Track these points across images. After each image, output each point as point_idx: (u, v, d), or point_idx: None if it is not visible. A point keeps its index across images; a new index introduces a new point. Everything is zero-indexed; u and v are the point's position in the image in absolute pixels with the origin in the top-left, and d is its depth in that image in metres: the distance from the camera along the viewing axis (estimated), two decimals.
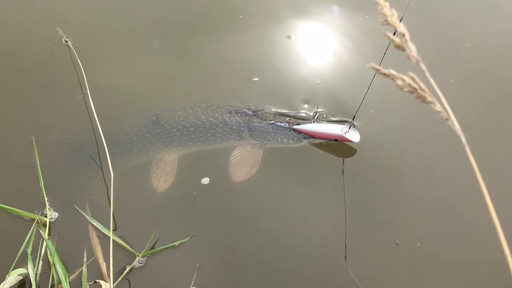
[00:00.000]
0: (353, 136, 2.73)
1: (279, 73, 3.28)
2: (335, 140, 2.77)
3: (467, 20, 3.66)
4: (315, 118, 2.94)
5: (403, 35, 1.14)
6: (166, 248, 2.44)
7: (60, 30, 3.40)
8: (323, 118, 2.96)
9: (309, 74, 3.26)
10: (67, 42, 3.37)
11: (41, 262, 2.36)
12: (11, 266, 2.24)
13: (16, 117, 3.00)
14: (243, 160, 2.77)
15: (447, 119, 1.06)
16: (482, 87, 3.19)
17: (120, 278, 2.36)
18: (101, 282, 2.26)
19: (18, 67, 3.29)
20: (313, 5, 3.78)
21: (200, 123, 2.89)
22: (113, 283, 2.27)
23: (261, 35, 3.53)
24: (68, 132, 2.92)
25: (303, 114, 2.99)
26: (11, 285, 2.26)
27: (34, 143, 2.79)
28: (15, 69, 3.27)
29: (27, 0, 3.77)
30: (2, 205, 2.44)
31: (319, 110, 3.00)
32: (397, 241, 2.50)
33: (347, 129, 2.74)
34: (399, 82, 1.10)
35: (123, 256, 2.43)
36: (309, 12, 3.73)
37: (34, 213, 2.50)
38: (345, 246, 2.48)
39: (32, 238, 2.36)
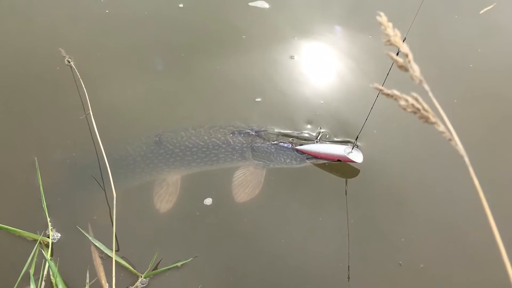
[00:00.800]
0: (356, 156, 2.83)
1: (282, 94, 3.39)
2: (338, 160, 2.86)
3: (470, 41, 3.80)
4: (318, 138, 3.04)
5: (406, 55, 1.16)
6: (168, 269, 2.52)
7: (62, 50, 3.53)
8: (326, 138, 3.06)
9: (312, 95, 3.38)
10: (69, 62, 3.50)
11: (43, 283, 2.44)
12: (13, 287, 2.32)
13: (19, 138, 3.10)
14: (246, 181, 2.86)
15: (450, 140, 1.07)
16: (486, 107, 3.30)
17: None
18: None
19: (20, 87, 3.41)
20: (316, 25, 3.92)
21: (203, 143, 2.99)
22: None
23: (264, 55, 3.67)
24: (70, 153, 3.02)
25: (306, 135, 3.09)
26: None
27: (36, 163, 2.89)
28: (18, 89, 3.39)
29: (29, 20, 3.92)
30: (5, 226, 2.52)
31: (322, 130, 3.10)
32: (400, 262, 2.57)
33: (350, 150, 2.83)
34: (402, 103, 1.12)
35: (126, 276, 2.51)
36: (312, 32, 3.87)
37: (37, 234, 2.59)
38: (348, 266, 2.56)
39: (35, 259, 2.44)
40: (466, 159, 1.05)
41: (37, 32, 3.83)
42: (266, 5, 4.09)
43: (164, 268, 2.51)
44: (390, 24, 1.23)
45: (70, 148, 3.05)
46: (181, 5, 4.07)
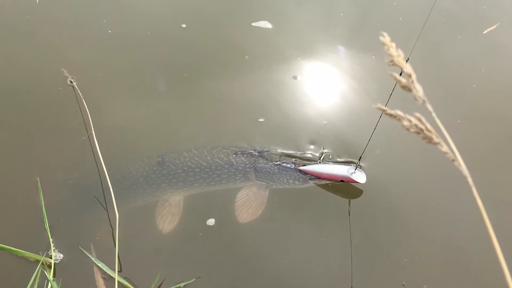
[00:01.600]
0: (359, 177, 2.92)
1: (285, 114, 3.50)
2: (341, 181, 2.96)
3: (473, 61, 3.92)
4: (321, 159, 3.14)
5: (410, 76, 1.19)
6: None
7: (65, 71, 3.66)
8: (329, 159, 3.16)
9: (315, 115, 3.49)
10: (72, 82, 3.62)
11: None
12: None
13: (21, 158, 3.20)
14: (249, 201, 2.95)
15: (453, 160, 1.10)
16: (489, 128, 3.40)
17: None
18: None
19: (23, 107, 3.53)
20: (319, 45, 4.05)
21: (205, 164, 3.08)
22: None
23: (267, 76, 3.79)
24: (73, 173, 3.12)
25: (309, 155, 3.19)
26: None
27: (39, 184, 2.99)
28: (20, 110, 3.51)
29: (32, 40, 4.06)
30: (7, 246, 2.61)
31: (325, 151, 3.20)
32: (404, 283, 2.65)
33: (353, 170, 2.93)
34: (406, 123, 1.15)
35: None
36: (315, 52, 4.00)
37: (39, 255, 2.68)
38: (351, 287, 2.63)
39: (37, 280, 2.52)
40: (470, 180, 1.07)
41: (39, 53, 3.96)
42: (269, 25, 4.24)
43: None
44: (393, 44, 1.25)
45: (73, 169, 3.15)
46: (183, 26, 4.21)
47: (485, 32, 4.17)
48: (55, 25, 4.24)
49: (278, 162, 3.11)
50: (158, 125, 3.46)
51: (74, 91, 3.57)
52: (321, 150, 3.22)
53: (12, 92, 3.63)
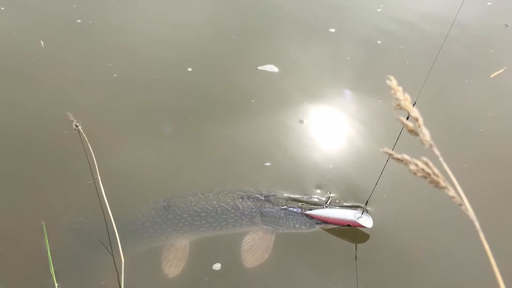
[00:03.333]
0: (366, 221, 3.10)
1: (291, 158, 3.72)
2: (348, 225, 3.14)
3: (480, 105, 4.16)
4: (328, 203, 3.33)
5: (417, 120, 1.21)
6: None
7: (70, 115, 3.90)
8: (336, 203, 3.35)
9: (321, 159, 3.70)
10: (77, 126, 3.85)
11: None
12: None
13: (26, 202, 3.40)
14: (255, 246, 3.13)
15: (460, 204, 1.12)
16: (496, 172, 3.60)
17: None
18: None
19: (28, 151, 3.75)
20: (325, 89, 4.31)
21: (211, 208, 3.28)
22: None
23: (273, 120, 4.03)
24: (78, 217, 3.31)
25: (316, 199, 3.38)
26: None
27: (44, 228, 3.18)
28: (26, 154, 3.73)
29: (37, 84, 4.32)
30: None
31: (332, 195, 3.40)
32: None
33: (360, 215, 3.11)
34: (413, 167, 1.17)
35: None
36: (322, 96, 4.25)
37: None
38: None
39: None
40: (477, 224, 1.10)
41: (45, 97, 4.22)
42: (275, 69, 4.50)
43: None
44: (400, 88, 1.28)
45: (78, 213, 3.34)
46: (189, 69, 4.49)
47: (492, 76, 4.41)
48: (60, 68, 4.52)
49: (284, 207, 3.30)
50: (163, 169, 3.67)
51: (80, 135, 3.80)
52: (328, 195, 3.41)
53: (17, 136, 3.86)
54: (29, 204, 3.39)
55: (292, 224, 3.24)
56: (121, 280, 2.81)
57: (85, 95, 4.24)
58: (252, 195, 3.36)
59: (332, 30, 5.04)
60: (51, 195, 3.45)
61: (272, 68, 4.52)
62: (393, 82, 1.29)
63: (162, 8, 5.33)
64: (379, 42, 4.88)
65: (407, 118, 1.28)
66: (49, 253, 3.02)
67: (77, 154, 3.69)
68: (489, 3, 5.30)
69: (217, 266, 3.05)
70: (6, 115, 4.04)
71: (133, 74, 4.47)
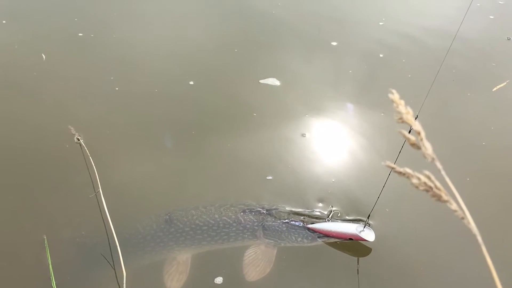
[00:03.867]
0: (368, 235, 3.15)
1: (293, 172, 3.78)
2: (350, 239, 3.19)
3: (483, 118, 4.22)
4: (330, 217, 3.38)
5: (419, 133, 1.23)
6: None
7: (72, 128, 3.96)
8: (338, 217, 3.40)
9: (323, 173, 3.76)
10: (79, 140, 3.92)
11: None
12: None
13: (28, 216, 3.46)
14: (257, 260, 3.18)
15: (463, 218, 1.13)
16: (499, 186, 3.66)
17: None
18: None
19: (29, 165, 3.81)
20: (327, 102, 4.38)
21: (213, 222, 3.33)
22: None
23: (275, 133, 4.09)
24: (80, 231, 3.37)
25: (318, 213, 3.44)
26: None
27: (46, 242, 3.22)
28: (27, 167, 3.79)
29: (39, 98, 4.40)
30: None
31: (334, 209, 3.45)
32: None
33: (362, 228, 3.16)
34: (415, 181, 1.18)
35: None
36: (324, 110, 4.32)
37: None
38: None
39: None
40: (479, 238, 1.11)
41: (46, 110, 4.29)
42: (277, 83, 4.58)
43: None
44: (402, 102, 1.30)
45: (80, 227, 3.39)
46: (191, 83, 4.57)
47: (494, 89, 4.48)
48: (62, 82, 4.61)
49: (286, 220, 3.35)
50: (165, 183, 3.74)
51: (81, 148, 3.86)
52: (330, 208, 3.47)
53: (19, 149, 3.93)
54: (30, 218, 3.44)
55: (294, 238, 3.29)
56: None
57: (86, 108, 4.32)
58: (254, 209, 3.42)
59: (334, 43, 5.13)
60: (52, 209, 3.50)
61: (274, 81, 4.60)
62: (395, 95, 1.31)
63: (163, 21, 5.43)
64: (381, 55, 4.96)
65: (409, 132, 1.28)
66: (50, 266, 3.07)
67: (79, 167, 3.75)
68: (491, 17, 5.39)
69: (219, 280, 3.09)
70: (7, 128, 4.12)
71: (134, 87, 4.55)
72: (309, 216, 3.41)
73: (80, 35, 5.14)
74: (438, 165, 1.19)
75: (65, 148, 3.91)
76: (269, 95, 4.49)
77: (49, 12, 5.51)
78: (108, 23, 5.39)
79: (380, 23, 5.40)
